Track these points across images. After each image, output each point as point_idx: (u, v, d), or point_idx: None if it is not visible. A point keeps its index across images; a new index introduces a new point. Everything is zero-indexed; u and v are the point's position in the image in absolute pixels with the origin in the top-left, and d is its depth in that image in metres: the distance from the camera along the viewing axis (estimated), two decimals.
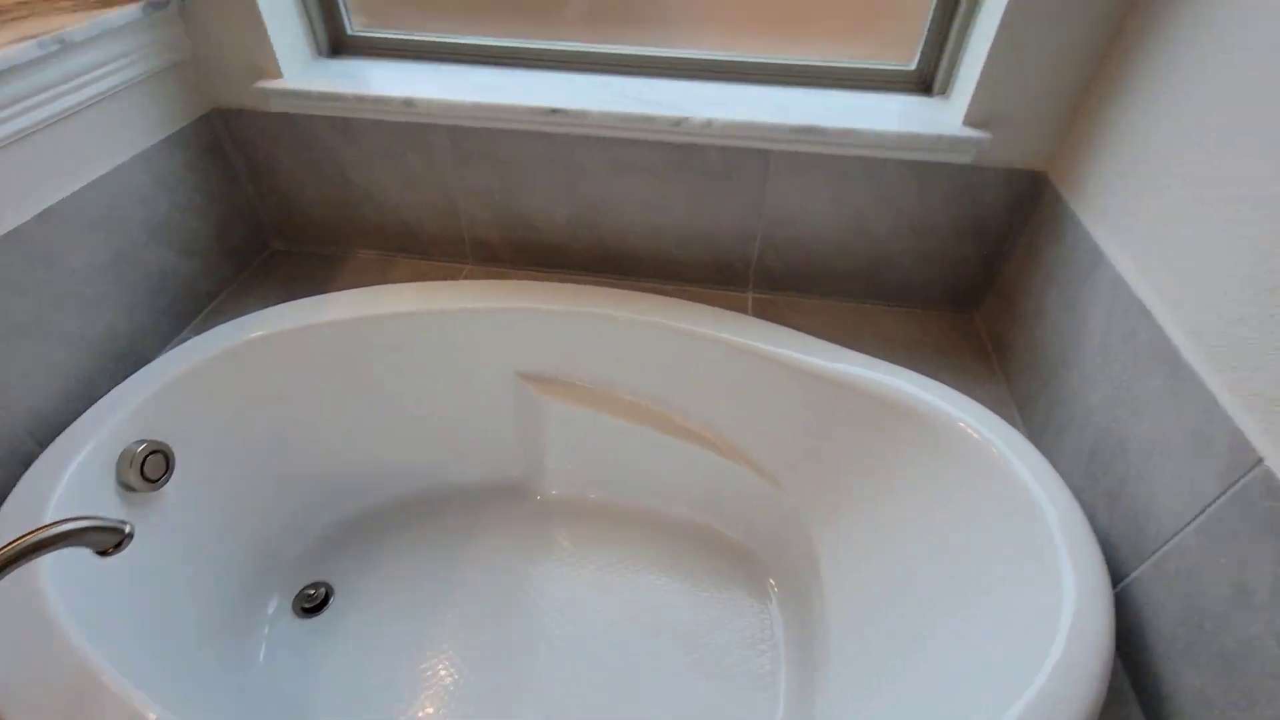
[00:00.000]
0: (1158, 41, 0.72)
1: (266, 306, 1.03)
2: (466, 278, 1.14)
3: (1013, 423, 0.89)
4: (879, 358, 0.93)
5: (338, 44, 1.07)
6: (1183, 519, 0.60)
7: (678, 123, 0.91)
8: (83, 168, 0.85)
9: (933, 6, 0.91)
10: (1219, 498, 0.56)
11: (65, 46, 0.78)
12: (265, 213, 1.17)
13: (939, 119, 0.91)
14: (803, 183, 0.97)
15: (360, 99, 0.97)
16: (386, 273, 1.15)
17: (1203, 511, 0.57)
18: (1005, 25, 0.81)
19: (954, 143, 0.88)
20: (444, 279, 1.13)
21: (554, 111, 0.93)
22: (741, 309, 1.06)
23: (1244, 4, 0.61)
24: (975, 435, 0.80)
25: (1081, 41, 0.80)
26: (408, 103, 0.95)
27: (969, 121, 0.89)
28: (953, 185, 0.94)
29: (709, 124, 0.91)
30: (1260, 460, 0.52)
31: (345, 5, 1.03)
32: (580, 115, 0.93)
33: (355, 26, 1.06)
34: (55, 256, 0.82)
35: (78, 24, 0.79)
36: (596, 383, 1.08)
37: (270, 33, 0.95)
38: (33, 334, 0.80)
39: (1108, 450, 0.72)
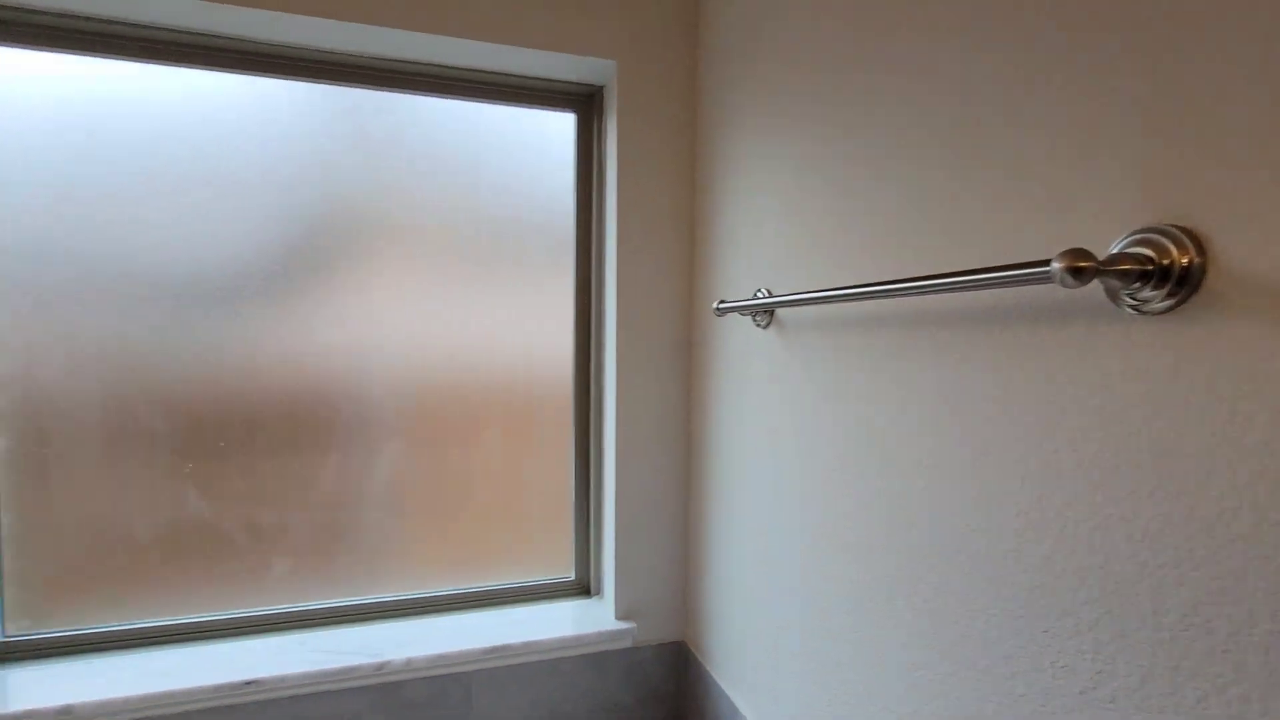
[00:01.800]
0: (705, 530, 1.11)
1: None
2: None
3: None
4: None
5: None
6: None
7: (380, 667, 1.01)
8: None
9: (572, 527, 1.26)
10: None
11: None
12: None
13: (599, 616, 1.17)
14: (502, 695, 1.09)
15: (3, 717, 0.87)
16: None
17: None
18: (619, 535, 1.16)
19: (613, 634, 1.13)
20: None
21: (249, 683, 0.95)
22: None
23: (739, 503, 1.02)
24: None
25: (669, 536, 1.19)
26: (65, 711, 0.89)
27: (619, 615, 1.16)
28: (624, 666, 1.16)
29: (409, 662, 1.02)
30: None
31: (1, 609, 1.00)
32: (279, 680, 0.97)
33: (9, 630, 1.01)
34: None
35: None
36: None
37: None
38: None
39: None
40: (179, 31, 0.98)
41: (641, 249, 1.12)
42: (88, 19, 0.95)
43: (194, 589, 1.08)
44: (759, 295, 0.91)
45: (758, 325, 0.94)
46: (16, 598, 1.01)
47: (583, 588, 1.26)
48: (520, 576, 1.25)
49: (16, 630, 1.01)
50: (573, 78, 1.15)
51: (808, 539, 0.83)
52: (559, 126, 1.20)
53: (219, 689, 0.95)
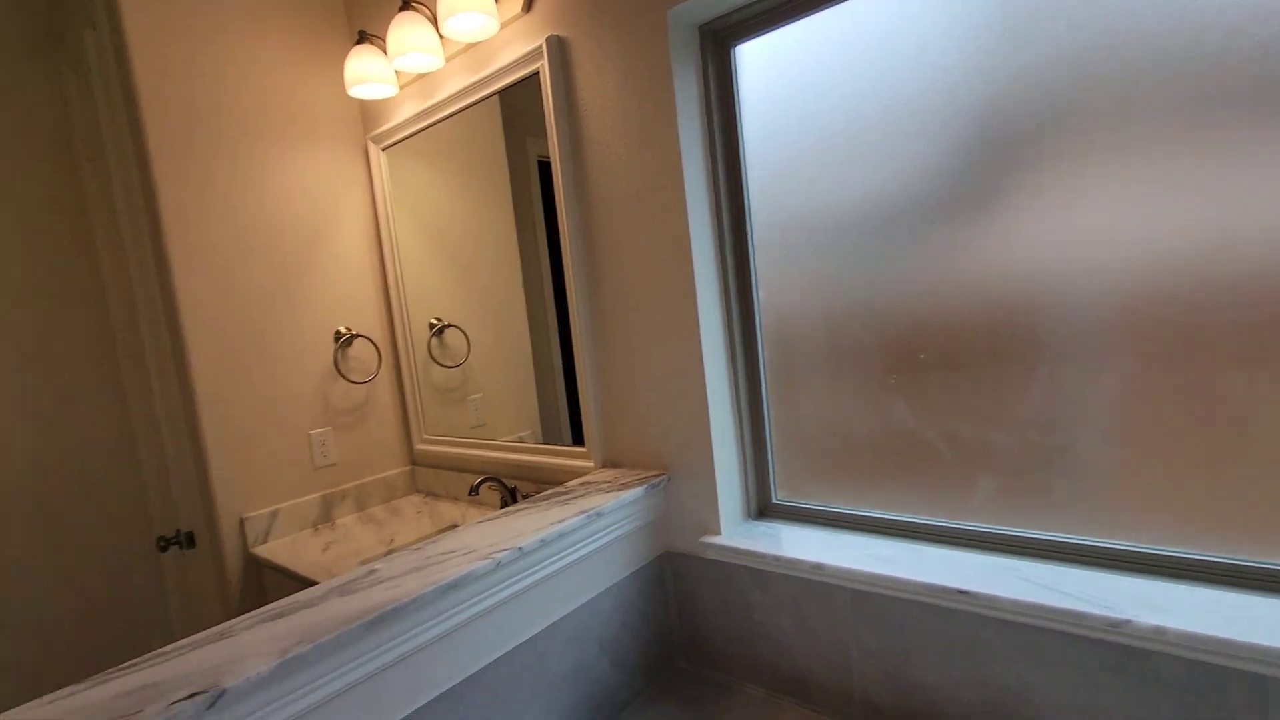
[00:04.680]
0: None
1: None
2: None
3: None
4: None
5: (764, 509, 1.34)
6: None
7: (1115, 625, 0.84)
8: (578, 594, 1.17)
9: None
10: None
11: (598, 515, 1.17)
12: (678, 635, 1.37)
13: None
14: None
15: (776, 559, 1.16)
16: (768, 712, 1.18)
17: None
18: None
19: None
20: None
21: (961, 592, 0.95)
22: None
23: None
24: None
25: None
26: (817, 567, 1.10)
27: None
28: None
29: (1159, 631, 0.81)
30: None
31: (774, 480, 1.32)
32: (990, 600, 0.93)
33: (779, 496, 1.33)
34: (546, 661, 1.09)
35: (608, 502, 1.19)
36: None
37: (720, 503, 1.26)
38: None
39: None
40: None
41: None
42: None
43: (903, 491, 1.16)
44: None
45: None
46: (782, 472, 1.31)
47: None
48: None
49: (782, 497, 1.33)
50: None
51: None
52: None
53: (931, 589, 0.98)
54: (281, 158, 1.74)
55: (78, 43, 1.69)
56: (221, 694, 0.70)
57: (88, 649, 1.97)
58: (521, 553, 1.03)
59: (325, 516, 1.80)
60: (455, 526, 1.65)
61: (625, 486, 1.27)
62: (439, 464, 1.92)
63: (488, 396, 1.84)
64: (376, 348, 1.93)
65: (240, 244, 1.66)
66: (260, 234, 1.69)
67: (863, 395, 1.17)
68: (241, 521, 1.65)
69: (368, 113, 1.89)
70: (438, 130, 1.73)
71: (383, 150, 1.85)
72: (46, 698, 0.72)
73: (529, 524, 1.12)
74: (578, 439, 1.53)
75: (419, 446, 1.97)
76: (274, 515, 1.70)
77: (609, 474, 1.38)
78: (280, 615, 0.86)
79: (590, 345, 1.42)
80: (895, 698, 1.07)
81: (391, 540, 1.60)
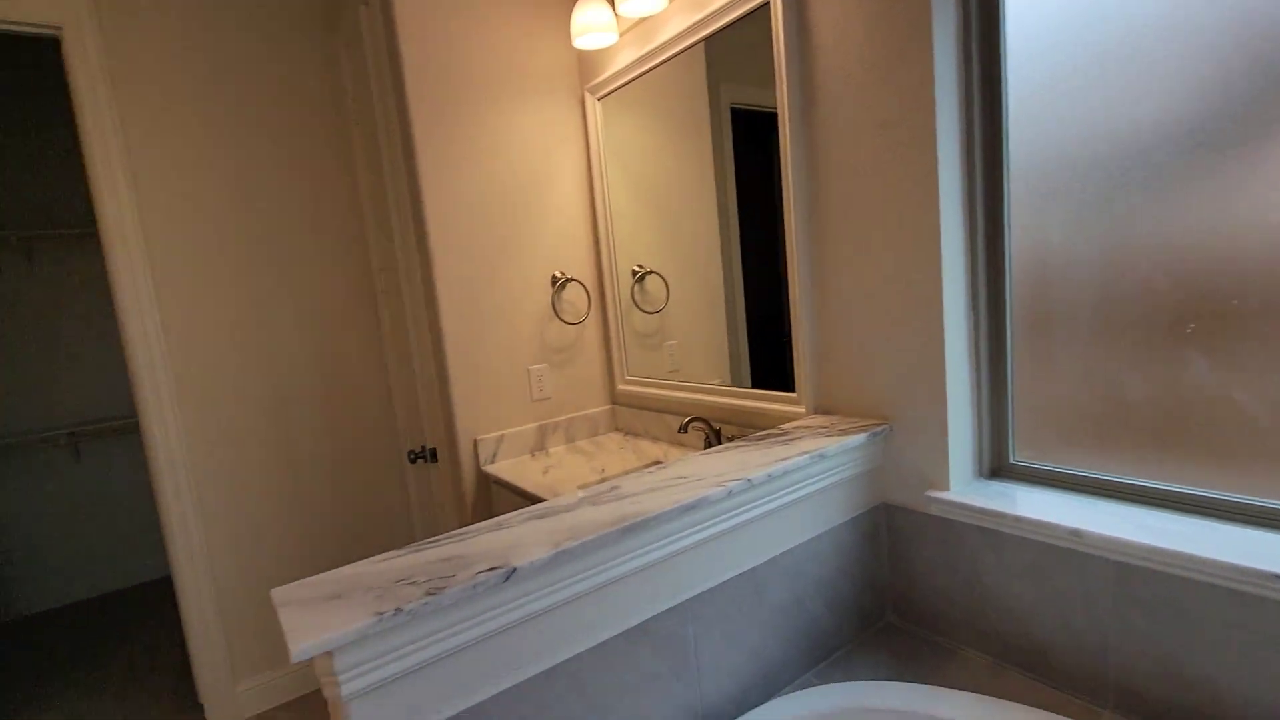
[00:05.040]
0: None
1: (873, 673, 1.12)
2: None
3: None
4: None
5: (998, 469, 1.23)
6: None
7: None
8: (796, 534, 1.17)
9: None
10: None
11: (821, 458, 1.15)
12: (891, 590, 1.32)
13: None
14: None
15: (1018, 520, 1.06)
16: (996, 682, 1.10)
17: None
18: None
19: None
20: (1074, 717, 1.01)
21: (1278, 578, 0.81)
22: None
23: None
24: None
25: None
26: (1074, 533, 1.00)
27: None
28: None
29: None
30: None
31: (1012, 439, 1.21)
32: None
33: (1017, 456, 1.21)
34: (764, 591, 1.12)
35: (831, 445, 1.17)
36: None
37: (950, 456, 1.19)
38: (737, 643, 1.08)
39: None
40: None
41: None
42: None
43: (1190, 460, 1.00)
44: None
45: None
46: (1024, 429, 1.19)
47: None
48: None
49: (1021, 457, 1.21)
50: None
51: None
52: None
53: (1237, 571, 0.84)
54: (510, 114, 1.88)
55: (352, 19, 1.95)
56: (513, 571, 0.80)
57: (349, 538, 2.39)
58: (750, 484, 1.05)
59: (540, 445, 1.98)
60: (659, 463, 1.73)
61: (845, 433, 1.23)
62: (639, 404, 2.02)
63: (683, 343, 1.89)
64: (587, 291, 2.06)
65: (479, 195, 1.83)
66: (494, 186, 1.86)
67: (1145, 347, 1.02)
68: (475, 442, 1.87)
69: (585, 64, 1.96)
70: (648, 79, 1.76)
71: (598, 100, 1.92)
72: (376, 558, 0.87)
73: (752, 459, 1.14)
74: (775, 385, 1.52)
75: (620, 387, 2.08)
76: (500, 440, 1.90)
77: (822, 420, 1.35)
78: (544, 516, 0.97)
79: (808, 291, 1.39)
80: (1166, 689, 0.95)
81: (602, 470, 1.72)
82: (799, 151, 1.35)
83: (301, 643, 0.67)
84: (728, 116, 1.63)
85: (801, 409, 1.43)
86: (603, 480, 1.60)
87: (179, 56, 2.01)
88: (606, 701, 0.93)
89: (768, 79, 1.38)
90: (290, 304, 2.23)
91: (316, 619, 0.71)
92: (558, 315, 2.00)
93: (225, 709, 2.16)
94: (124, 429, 3.42)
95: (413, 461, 2.05)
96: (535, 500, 1.57)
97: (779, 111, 1.35)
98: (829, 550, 1.22)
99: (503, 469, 1.83)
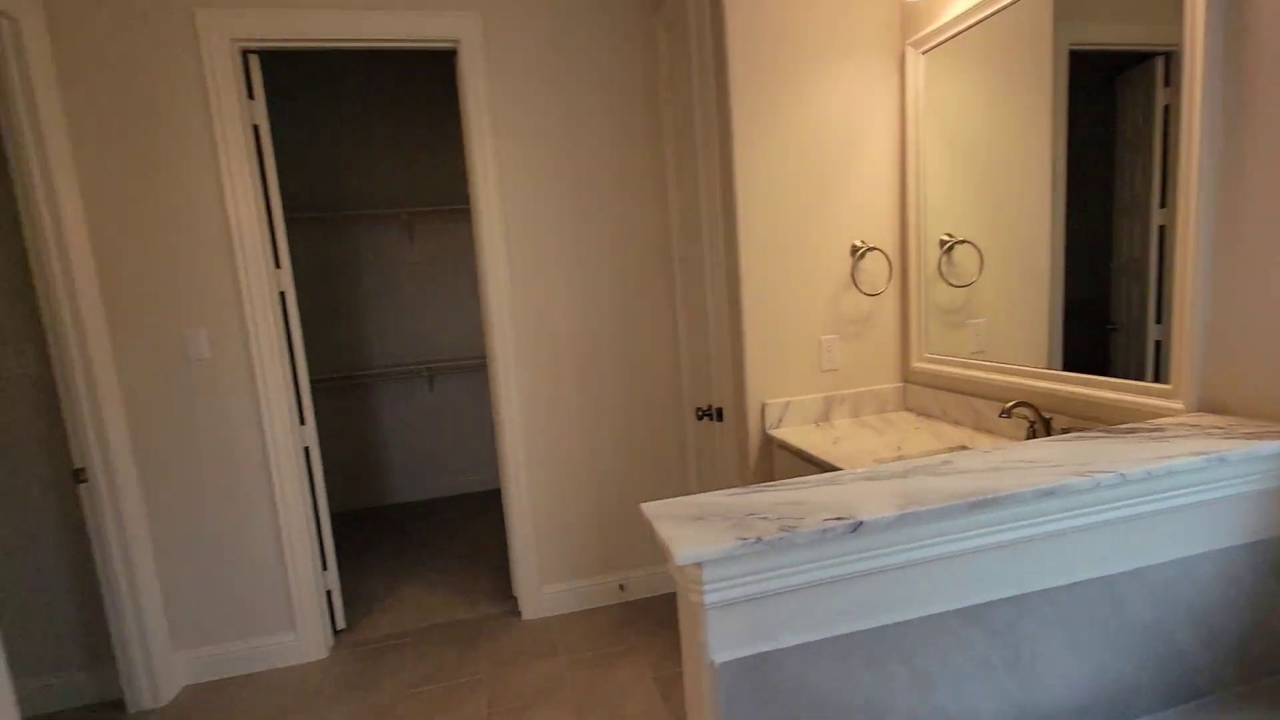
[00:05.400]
0: None
1: None
2: None
3: None
4: None
5: None
6: None
7: None
8: (1170, 548, 0.99)
9: None
10: None
11: (1221, 462, 0.95)
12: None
13: None
14: None
15: None
16: None
17: None
18: None
19: None
20: None
21: None
22: None
23: None
24: None
25: None
26: None
27: None
28: None
29: None
30: None
31: None
32: None
33: None
34: (1121, 604, 0.98)
35: (1237, 449, 0.96)
36: None
37: None
38: (1081, 653, 0.96)
39: None
40: None
41: None
42: None
43: None
44: None
45: None
46: None
47: None
48: None
49: None
50: None
51: None
52: None
53: None
54: (823, 76, 1.85)
55: (677, 4, 2.09)
56: (860, 524, 0.82)
57: (633, 480, 2.66)
58: (1124, 479, 0.92)
59: (824, 416, 1.97)
60: (964, 447, 1.61)
61: (1253, 437, 1.00)
62: (937, 384, 1.88)
63: (992, 321, 1.70)
64: (889, 261, 1.96)
65: (787, 164, 1.85)
66: (803, 152, 1.86)
67: None
68: (763, 406, 1.94)
69: (909, 16, 1.84)
70: (988, 25, 1.58)
71: (922, 54, 1.79)
72: (723, 491, 0.96)
73: (1114, 453, 0.99)
74: (1127, 374, 1.29)
75: (915, 364, 1.96)
76: (786, 406, 1.94)
77: (1215, 419, 1.11)
78: (874, 479, 0.97)
79: (1205, 271, 1.14)
80: None
81: (899, 447, 1.65)
82: (1212, 101, 1.10)
83: (684, 549, 0.77)
84: (1065, 63, 1.41)
85: (1177, 404, 1.20)
86: (899, 458, 1.54)
87: (535, 56, 2.38)
88: (931, 673, 0.91)
89: (1133, 6, 1.14)
90: (603, 267, 2.52)
91: (688, 534, 0.81)
92: (855, 285, 1.95)
93: (534, 604, 2.61)
94: (462, 368, 4.25)
95: (700, 419, 2.20)
96: (827, 468, 1.58)
97: (1185, 47, 1.11)
98: (1210, 574, 1.02)
99: (788, 434, 1.86)
